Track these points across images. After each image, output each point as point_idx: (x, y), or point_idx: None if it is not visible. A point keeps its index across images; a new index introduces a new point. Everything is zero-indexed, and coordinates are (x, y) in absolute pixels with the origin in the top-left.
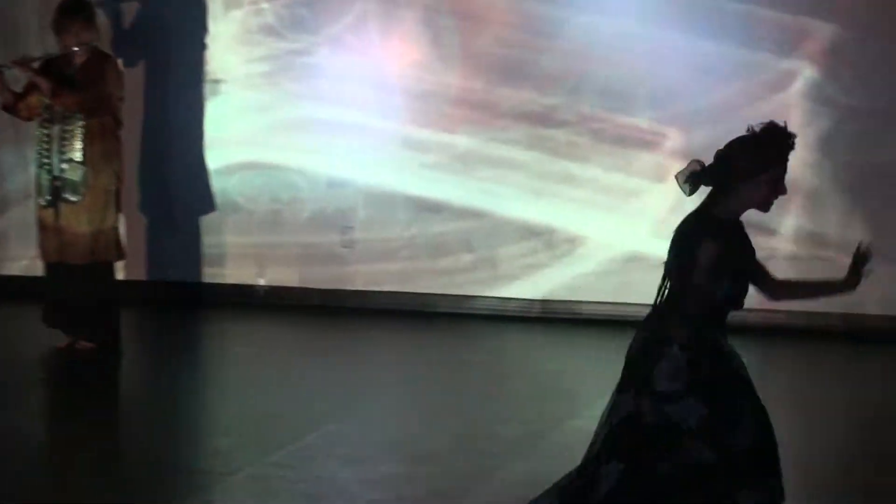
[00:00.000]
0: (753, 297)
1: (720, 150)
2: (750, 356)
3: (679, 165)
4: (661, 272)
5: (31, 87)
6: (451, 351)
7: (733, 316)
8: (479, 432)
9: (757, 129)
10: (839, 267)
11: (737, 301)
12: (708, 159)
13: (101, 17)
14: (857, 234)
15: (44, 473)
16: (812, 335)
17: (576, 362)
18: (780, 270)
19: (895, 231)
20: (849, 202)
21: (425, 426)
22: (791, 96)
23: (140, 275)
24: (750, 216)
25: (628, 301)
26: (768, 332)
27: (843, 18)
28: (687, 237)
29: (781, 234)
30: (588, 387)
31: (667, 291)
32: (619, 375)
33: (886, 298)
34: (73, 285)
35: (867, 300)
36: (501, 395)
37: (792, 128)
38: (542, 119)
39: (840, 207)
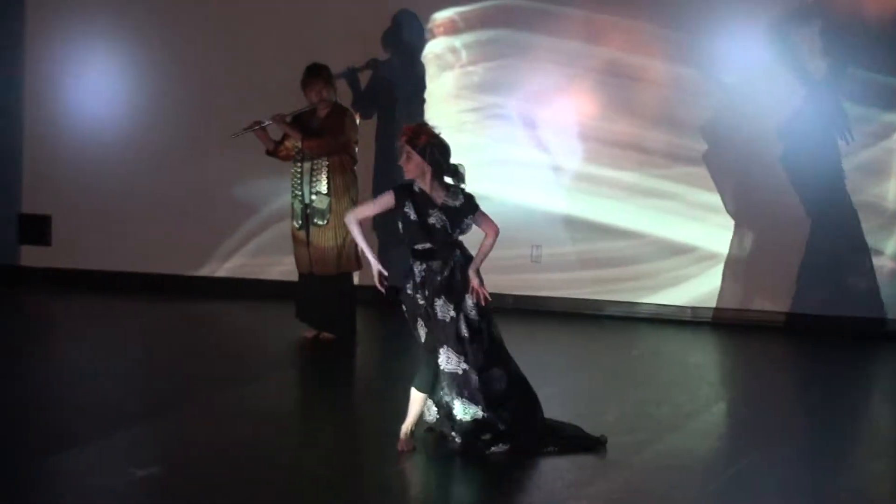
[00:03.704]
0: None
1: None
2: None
3: None
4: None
5: (285, 136)
6: (617, 346)
7: None
8: (639, 412)
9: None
10: None
11: None
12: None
13: (342, 81)
14: None
15: (289, 434)
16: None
17: (716, 358)
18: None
19: None
20: None
21: (597, 406)
22: (893, 141)
23: (372, 281)
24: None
25: (763, 308)
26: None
27: None
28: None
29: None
30: (728, 377)
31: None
32: (747, 368)
33: None
34: (320, 290)
35: None
36: (657, 383)
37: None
38: (690, 160)
39: None
